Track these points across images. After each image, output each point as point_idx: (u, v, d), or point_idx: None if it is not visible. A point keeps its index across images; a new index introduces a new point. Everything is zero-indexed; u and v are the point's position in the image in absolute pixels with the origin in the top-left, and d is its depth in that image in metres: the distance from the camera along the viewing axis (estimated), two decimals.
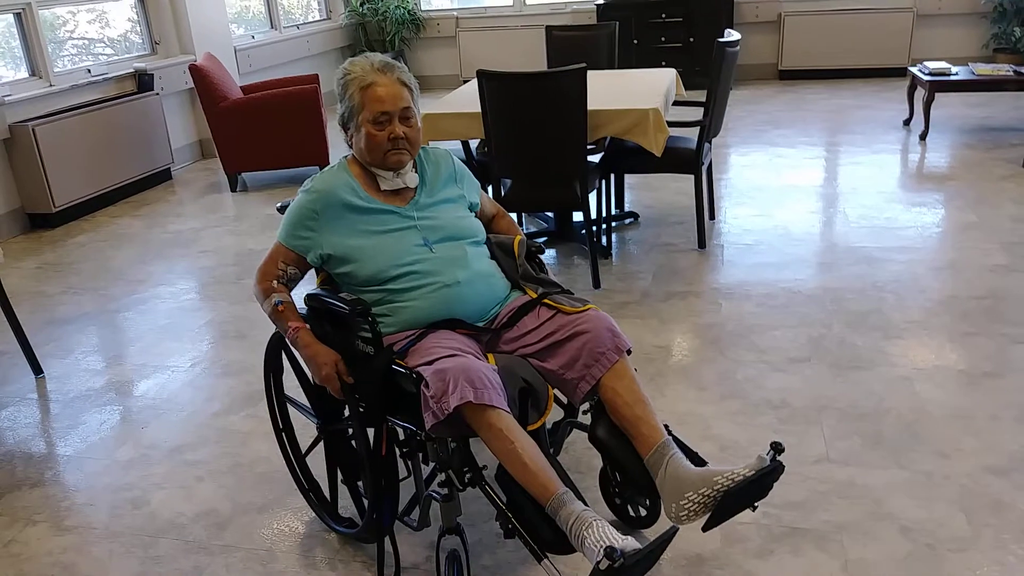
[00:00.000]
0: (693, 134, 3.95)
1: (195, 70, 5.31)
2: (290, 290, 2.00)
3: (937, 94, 5.54)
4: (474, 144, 4.29)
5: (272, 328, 2.16)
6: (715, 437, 2.47)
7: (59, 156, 4.94)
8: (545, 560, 1.61)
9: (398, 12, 8.39)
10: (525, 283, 2.03)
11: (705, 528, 1.67)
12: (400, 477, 1.92)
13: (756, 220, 4.28)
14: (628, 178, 5.10)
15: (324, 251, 1.95)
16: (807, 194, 4.64)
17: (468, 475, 1.76)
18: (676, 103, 4.23)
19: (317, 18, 8.39)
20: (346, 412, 2.05)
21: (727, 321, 3.20)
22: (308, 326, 1.92)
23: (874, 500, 2.15)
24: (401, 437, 1.90)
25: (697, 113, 3.89)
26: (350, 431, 2.08)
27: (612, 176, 4.18)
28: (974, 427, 2.43)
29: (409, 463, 1.95)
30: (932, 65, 5.64)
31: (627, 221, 4.43)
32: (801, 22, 7.68)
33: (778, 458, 1.67)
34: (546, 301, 1.94)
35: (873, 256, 3.72)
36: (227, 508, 2.31)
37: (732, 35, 3.82)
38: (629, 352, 1.85)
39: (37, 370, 3.19)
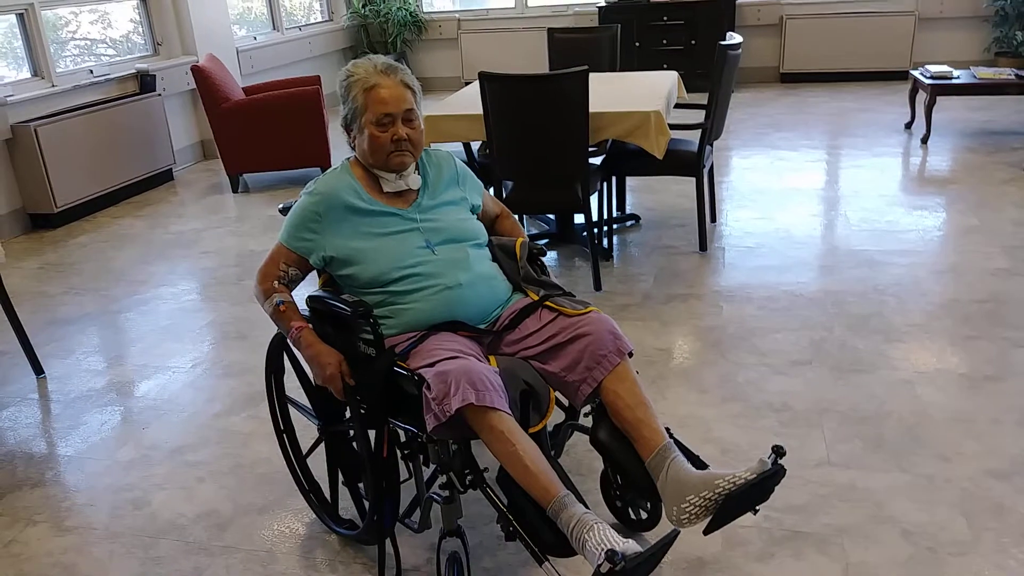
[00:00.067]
0: (695, 137, 3.95)
1: (197, 71, 5.32)
2: (291, 291, 2.00)
3: (939, 97, 5.54)
4: (476, 146, 4.30)
5: (273, 330, 2.16)
6: (716, 440, 2.46)
7: (61, 156, 4.95)
8: (546, 563, 1.61)
9: (400, 14, 8.40)
10: (527, 285, 2.03)
11: (706, 531, 1.67)
12: (401, 479, 1.92)
13: (757, 223, 4.28)
14: (629, 180, 5.11)
15: (326, 253, 1.95)
16: (808, 197, 4.64)
17: (469, 477, 1.76)
18: (678, 106, 4.23)
19: (319, 19, 8.40)
20: (347, 414, 2.06)
21: (728, 324, 3.20)
22: (310, 326, 1.92)
23: (875, 503, 2.14)
24: (402, 439, 1.90)
25: (699, 116, 3.89)
26: (351, 433, 2.08)
27: (613, 178, 4.19)
28: (975, 431, 2.43)
29: (410, 465, 1.95)
30: (934, 68, 5.64)
31: (628, 223, 4.43)
32: (803, 25, 7.68)
33: (779, 461, 1.67)
34: (548, 303, 1.94)
35: (874, 259, 3.72)
36: (228, 509, 2.31)
37: (734, 38, 3.82)
38: (631, 355, 1.85)
39: (38, 370, 3.19)
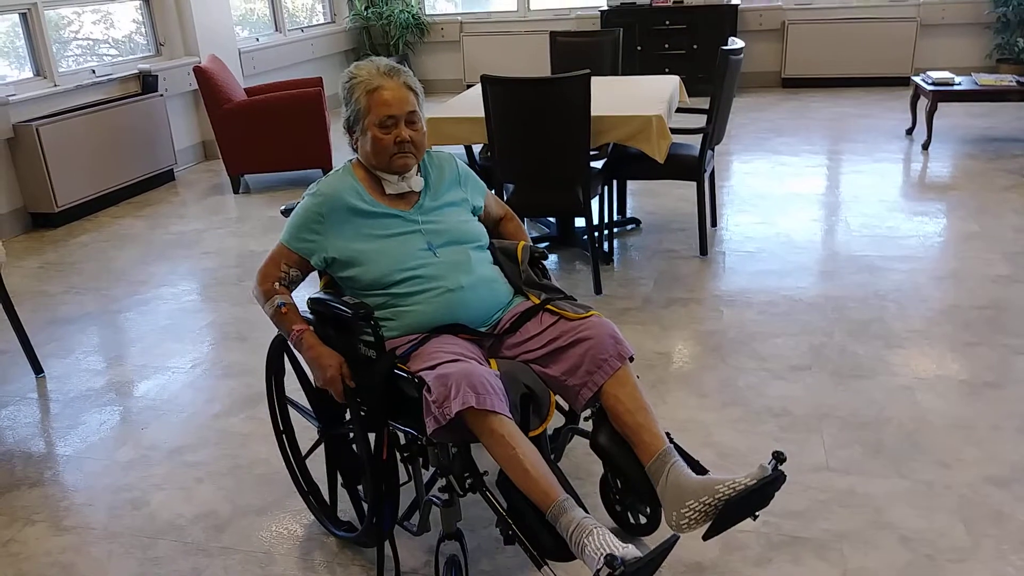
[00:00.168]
0: (696, 141, 3.95)
1: (199, 72, 5.32)
2: (291, 292, 2.00)
3: (940, 104, 5.54)
4: (477, 149, 4.30)
5: (273, 331, 2.16)
6: (716, 444, 2.46)
7: (62, 156, 4.95)
8: (545, 567, 1.61)
9: (402, 16, 8.41)
10: (528, 289, 2.03)
11: (706, 537, 1.67)
12: (401, 482, 1.92)
13: (758, 227, 4.28)
14: (630, 184, 5.11)
15: (328, 254, 1.95)
16: (809, 202, 4.65)
17: (469, 480, 1.76)
18: (679, 110, 4.24)
19: (321, 21, 8.41)
20: (347, 416, 2.05)
21: (728, 328, 3.20)
22: (311, 328, 1.92)
23: (874, 509, 2.14)
24: (402, 441, 1.90)
25: (700, 120, 3.89)
26: (351, 435, 2.08)
27: (614, 182, 4.19)
28: (975, 437, 2.43)
29: (410, 468, 1.94)
30: (935, 75, 5.65)
31: (629, 227, 4.43)
32: (804, 30, 7.69)
33: (780, 468, 1.67)
34: (549, 307, 1.94)
35: (875, 265, 3.72)
36: (226, 510, 2.31)
37: (736, 43, 3.82)
38: (631, 359, 1.85)
39: (38, 369, 3.19)
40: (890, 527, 2.08)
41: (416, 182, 2.01)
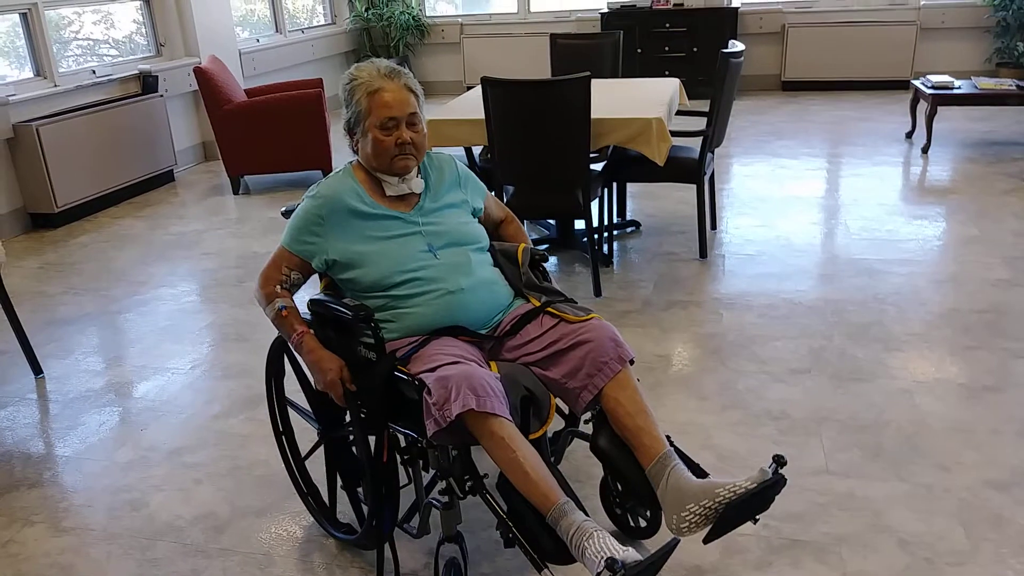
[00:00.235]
0: (696, 144, 3.95)
1: (199, 72, 5.32)
2: (292, 295, 2.00)
3: (940, 107, 5.55)
4: (477, 151, 4.30)
5: (273, 332, 2.16)
6: (715, 447, 2.46)
7: (62, 156, 4.95)
8: (545, 570, 1.61)
9: (403, 18, 8.41)
10: (528, 291, 2.03)
11: (706, 540, 1.67)
12: (400, 484, 1.92)
13: (758, 230, 4.29)
14: (630, 187, 5.11)
15: (329, 256, 1.95)
16: (809, 205, 4.65)
17: (469, 483, 1.76)
18: (679, 113, 4.24)
19: (322, 22, 8.41)
20: (347, 418, 2.05)
21: (728, 331, 3.20)
22: (312, 331, 1.92)
23: (873, 512, 2.14)
24: (402, 444, 1.90)
25: (700, 123, 3.90)
26: (351, 437, 2.08)
27: (614, 184, 4.19)
28: (974, 441, 2.43)
29: (410, 470, 1.94)
30: (935, 78, 5.66)
31: (629, 230, 4.43)
32: (804, 34, 7.70)
33: (780, 471, 1.67)
34: (549, 310, 1.94)
35: (874, 268, 3.72)
36: (225, 511, 2.31)
37: (736, 45, 3.83)
38: (632, 362, 1.85)
39: (37, 370, 3.18)
40: (889, 530, 2.08)
41: (416, 184, 2.01)
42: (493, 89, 3.35)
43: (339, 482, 2.16)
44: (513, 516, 1.67)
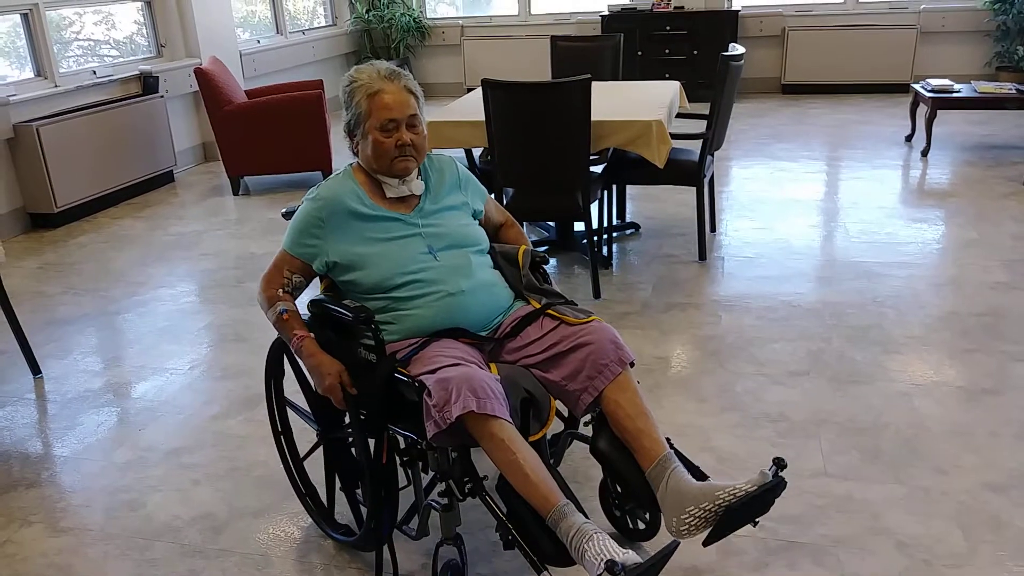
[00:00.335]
0: (696, 146, 3.95)
1: (200, 73, 5.33)
2: (295, 299, 2.00)
3: (939, 111, 5.56)
4: (477, 153, 4.31)
5: (273, 333, 2.16)
6: (714, 449, 2.46)
7: (62, 156, 4.95)
8: (545, 572, 1.61)
9: (404, 20, 8.42)
10: (529, 293, 2.03)
11: (706, 543, 1.67)
12: (400, 486, 1.91)
13: (757, 233, 4.29)
14: (630, 189, 5.11)
15: (330, 258, 1.95)
16: (808, 208, 4.65)
17: (468, 485, 1.76)
18: (679, 115, 4.24)
19: (322, 24, 8.41)
20: (347, 419, 2.05)
21: (727, 333, 3.20)
22: (312, 335, 1.92)
23: (871, 515, 2.14)
24: (402, 445, 1.90)
25: (700, 126, 3.90)
26: (350, 438, 2.08)
27: (614, 187, 4.19)
28: (973, 444, 2.43)
29: (409, 472, 1.94)
30: (935, 82, 5.66)
31: (628, 232, 4.43)
32: (805, 37, 7.71)
33: (780, 474, 1.67)
34: (550, 312, 1.94)
35: (873, 271, 3.72)
36: (223, 512, 2.31)
37: (736, 48, 3.83)
38: (632, 365, 1.86)
39: (36, 370, 3.18)
40: (887, 533, 2.08)
41: (416, 186, 2.01)
42: (493, 91, 3.35)
43: (338, 483, 2.16)
44: (513, 518, 1.67)
